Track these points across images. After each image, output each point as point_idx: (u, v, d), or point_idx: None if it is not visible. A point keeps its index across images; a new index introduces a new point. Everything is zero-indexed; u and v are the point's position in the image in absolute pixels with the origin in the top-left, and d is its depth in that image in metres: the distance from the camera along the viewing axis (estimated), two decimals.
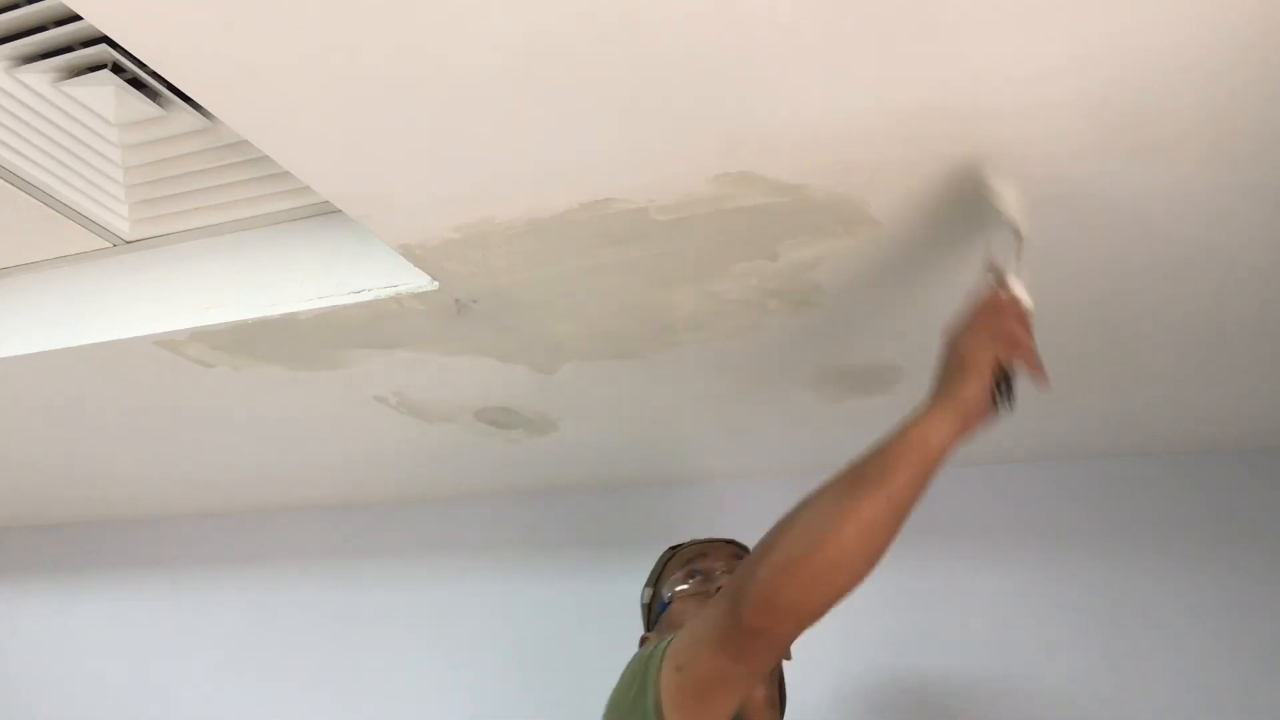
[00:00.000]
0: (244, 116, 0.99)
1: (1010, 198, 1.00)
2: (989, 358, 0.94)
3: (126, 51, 1.12)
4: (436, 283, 1.28)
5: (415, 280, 1.30)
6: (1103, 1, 0.80)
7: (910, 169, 1.01)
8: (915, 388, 1.53)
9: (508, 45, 0.86)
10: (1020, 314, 0.97)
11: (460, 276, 1.25)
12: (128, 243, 1.48)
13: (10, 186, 1.34)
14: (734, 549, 1.40)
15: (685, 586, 1.32)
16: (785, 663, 1.38)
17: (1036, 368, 0.96)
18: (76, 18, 1.10)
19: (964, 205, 1.07)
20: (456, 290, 1.30)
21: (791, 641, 1.01)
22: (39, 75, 1.18)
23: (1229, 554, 1.69)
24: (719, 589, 1.27)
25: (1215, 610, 1.67)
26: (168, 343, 1.48)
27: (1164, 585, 1.70)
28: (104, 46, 1.14)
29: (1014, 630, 1.75)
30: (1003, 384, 0.95)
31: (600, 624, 1.99)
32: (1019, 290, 0.98)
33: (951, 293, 1.26)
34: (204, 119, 1.23)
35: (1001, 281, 0.99)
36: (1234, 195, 1.05)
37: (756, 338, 1.40)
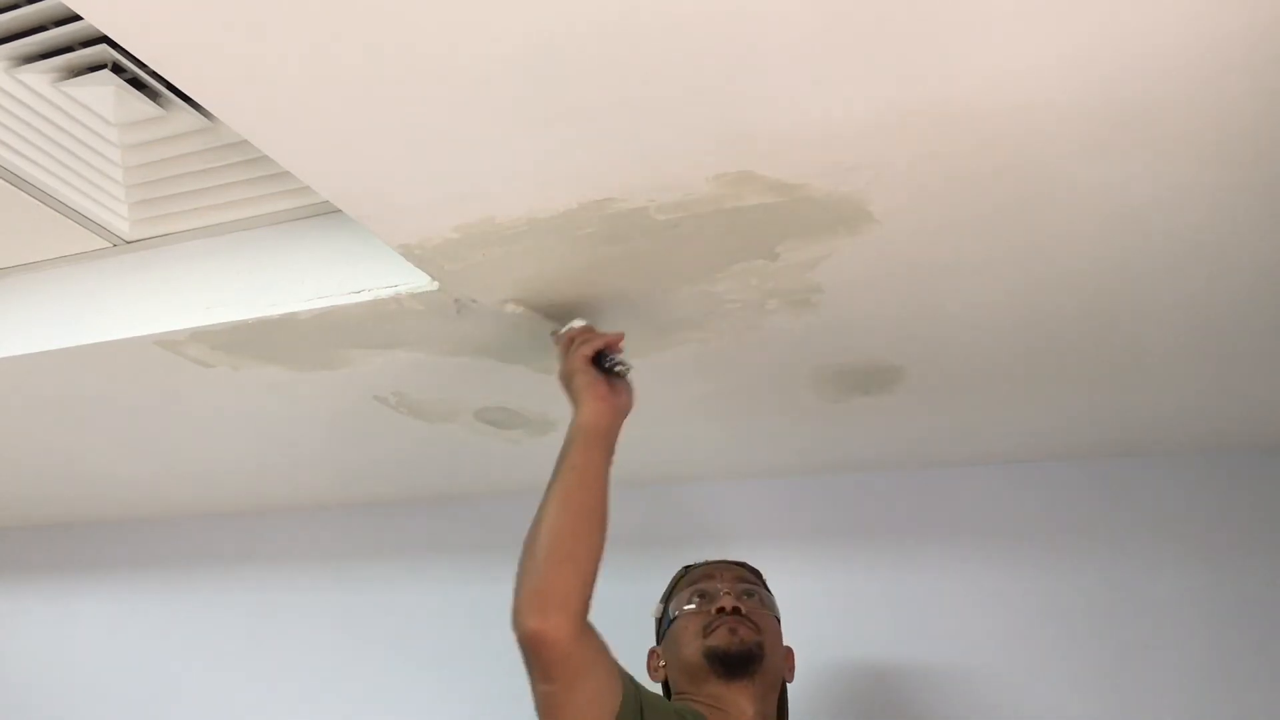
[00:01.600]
0: (244, 116, 0.99)
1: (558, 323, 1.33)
2: (576, 362, 1.23)
3: (126, 51, 1.12)
4: (436, 283, 1.28)
5: (415, 280, 1.30)
6: (1102, 1, 0.80)
7: (910, 169, 1.02)
8: (915, 388, 1.55)
9: (508, 45, 0.86)
10: (573, 332, 1.28)
11: (460, 276, 1.25)
12: (128, 243, 1.48)
13: (10, 186, 1.34)
14: (741, 571, 1.44)
15: (690, 606, 1.38)
16: (789, 684, 1.40)
17: (606, 337, 1.25)
18: (76, 18, 1.10)
19: (964, 205, 1.07)
20: (456, 290, 1.30)
21: (570, 635, 1.08)
22: (39, 75, 1.18)
23: (1229, 554, 1.69)
24: (718, 609, 1.34)
25: (1215, 610, 1.67)
26: (168, 343, 1.48)
27: (1164, 585, 1.70)
28: (104, 46, 1.14)
29: (1013, 630, 1.75)
30: (605, 365, 1.23)
31: (600, 624, 1.99)
32: (573, 325, 1.30)
33: (951, 293, 1.26)
34: (204, 119, 1.23)
35: (558, 335, 1.31)
36: (1234, 195, 1.05)
37: (756, 338, 1.40)
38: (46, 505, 2.50)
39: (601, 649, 1.14)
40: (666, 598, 1.45)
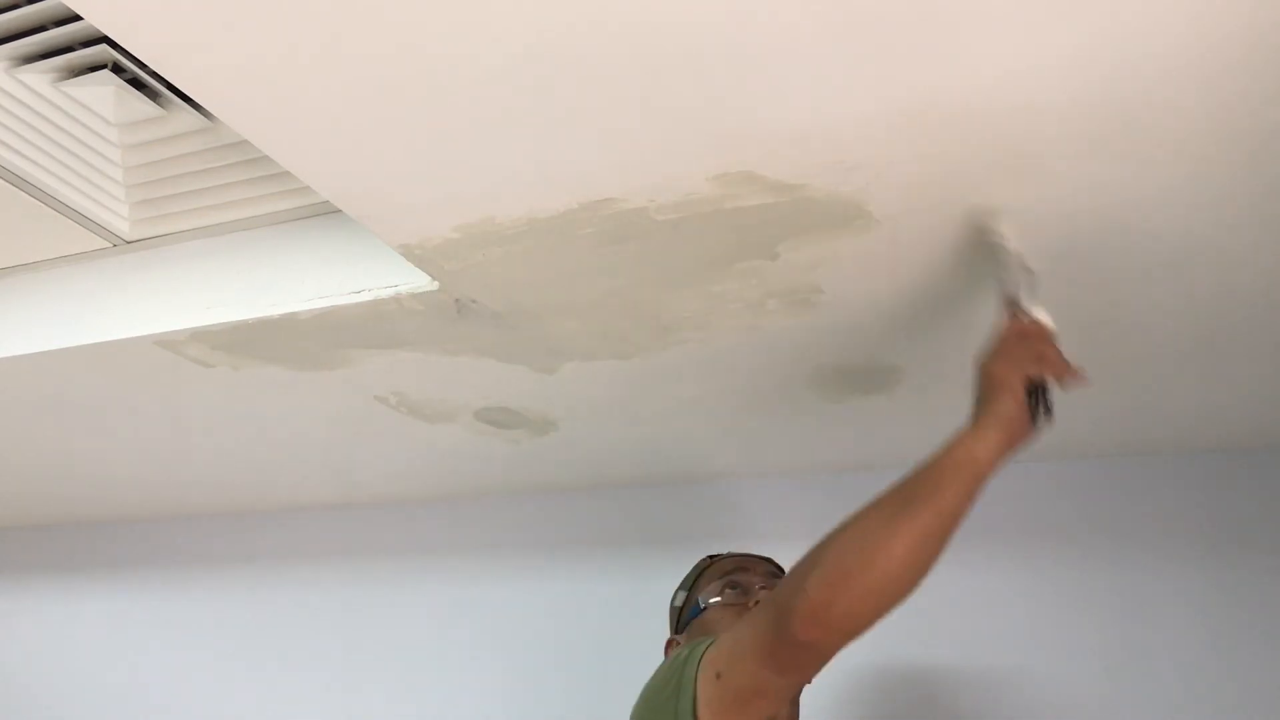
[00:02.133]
0: (244, 116, 0.99)
1: (1013, 238, 1.07)
2: (1018, 377, 0.99)
3: (126, 51, 1.12)
4: (436, 283, 1.28)
5: (415, 280, 1.30)
6: (1102, 1, 0.80)
7: (910, 169, 1.02)
8: (915, 388, 1.55)
9: (508, 45, 0.86)
10: (1043, 333, 1.03)
11: (460, 276, 1.25)
12: (128, 243, 1.48)
13: (10, 186, 1.34)
14: (771, 567, 1.43)
15: (720, 598, 1.34)
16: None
17: (1070, 374, 1.01)
18: (76, 18, 1.10)
19: (964, 205, 1.07)
20: (456, 290, 1.30)
21: (836, 654, 1.01)
22: (39, 75, 1.18)
23: (1229, 554, 1.69)
24: (756, 603, 1.30)
25: (1215, 610, 1.67)
26: (168, 343, 1.48)
27: (1164, 585, 1.70)
28: (104, 46, 1.14)
29: (1013, 629, 1.75)
30: (1038, 398, 0.99)
31: (600, 624, 1.99)
32: (1039, 314, 1.04)
33: (951, 293, 1.26)
34: (204, 119, 1.23)
35: (1019, 310, 1.05)
36: (1234, 195, 1.05)
37: (756, 338, 1.40)
38: (46, 505, 2.50)
39: None
40: (690, 585, 1.41)
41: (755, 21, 0.83)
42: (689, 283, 1.26)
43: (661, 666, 1.21)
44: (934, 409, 1.63)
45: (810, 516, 1.96)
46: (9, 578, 2.71)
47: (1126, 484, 1.78)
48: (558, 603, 2.07)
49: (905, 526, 0.96)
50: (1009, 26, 0.83)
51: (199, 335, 1.45)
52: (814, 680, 1.43)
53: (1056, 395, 1.00)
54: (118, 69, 1.17)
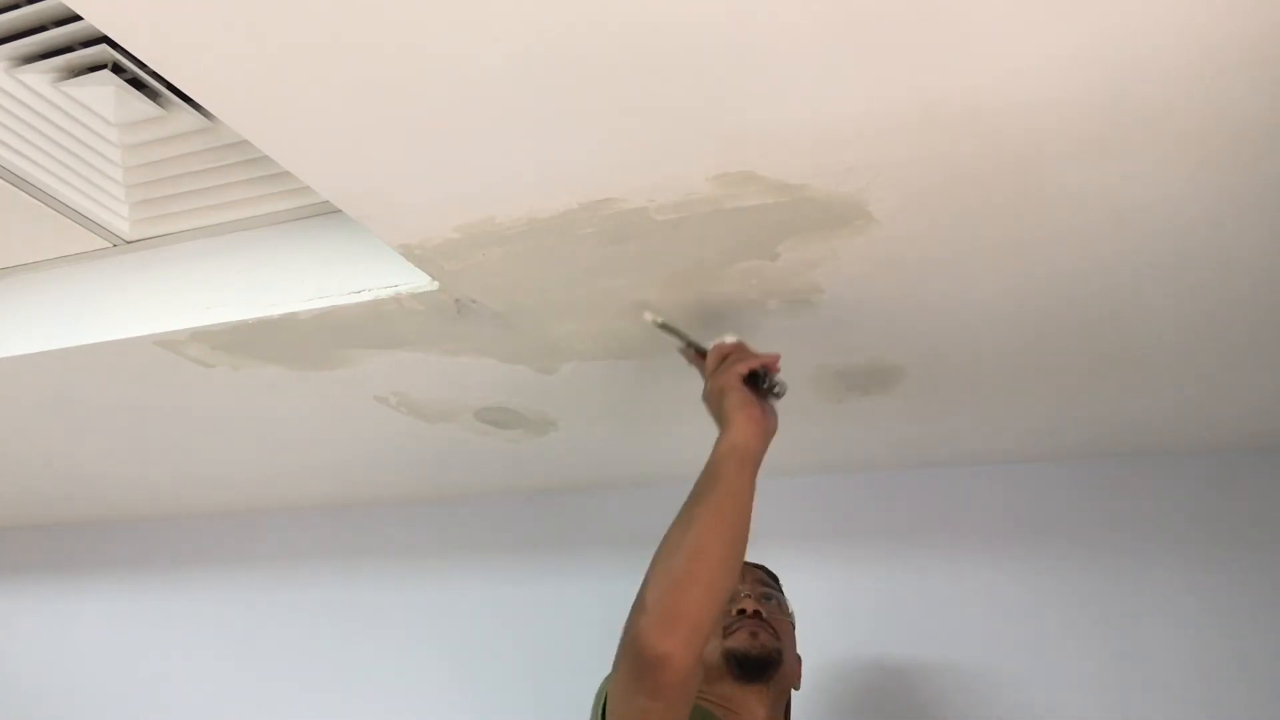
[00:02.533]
0: (244, 116, 0.99)
1: (658, 316, 1.30)
2: (730, 380, 1.16)
3: (126, 51, 1.12)
4: (436, 283, 1.28)
5: (415, 280, 1.30)
6: (1102, 1, 0.80)
7: (910, 169, 1.02)
8: (915, 388, 1.55)
9: (508, 45, 0.86)
10: (731, 347, 1.22)
11: (460, 276, 1.25)
12: (128, 243, 1.48)
13: (10, 186, 1.34)
14: (761, 574, 1.44)
15: None
16: (794, 692, 1.41)
17: (761, 357, 1.19)
18: (76, 18, 1.10)
19: (964, 205, 1.07)
20: (456, 290, 1.30)
21: (694, 660, 1.04)
22: (39, 75, 1.18)
23: (1229, 554, 1.69)
24: (739, 611, 1.33)
25: (1215, 610, 1.67)
26: (168, 343, 1.48)
27: (1164, 585, 1.70)
28: (104, 46, 1.14)
29: (1013, 630, 1.75)
30: (760, 383, 1.18)
31: (600, 624, 1.99)
32: (719, 340, 1.24)
33: (952, 292, 1.26)
34: (204, 119, 1.23)
35: (699, 351, 1.27)
36: (1234, 195, 1.05)
37: (756, 338, 1.40)
38: (46, 505, 2.50)
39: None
40: None
41: (755, 21, 0.82)
42: (689, 283, 1.26)
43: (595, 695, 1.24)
44: (934, 409, 1.63)
45: (810, 516, 1.98)
46: (9, 578, 2.71)
47: (1126, 484, 1.78)
48: (558, 603, 2.07)
49: (702, 515, 1.08)
50: (1009, 26, 0.83)
51: (199, 335, 1.45)
52: (802, 686, 1.44)
53: (786, 376, 1.19)
54: (118, 69, 1.17)
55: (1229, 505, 1.72)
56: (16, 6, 1.09)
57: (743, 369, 1.17)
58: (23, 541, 2.72)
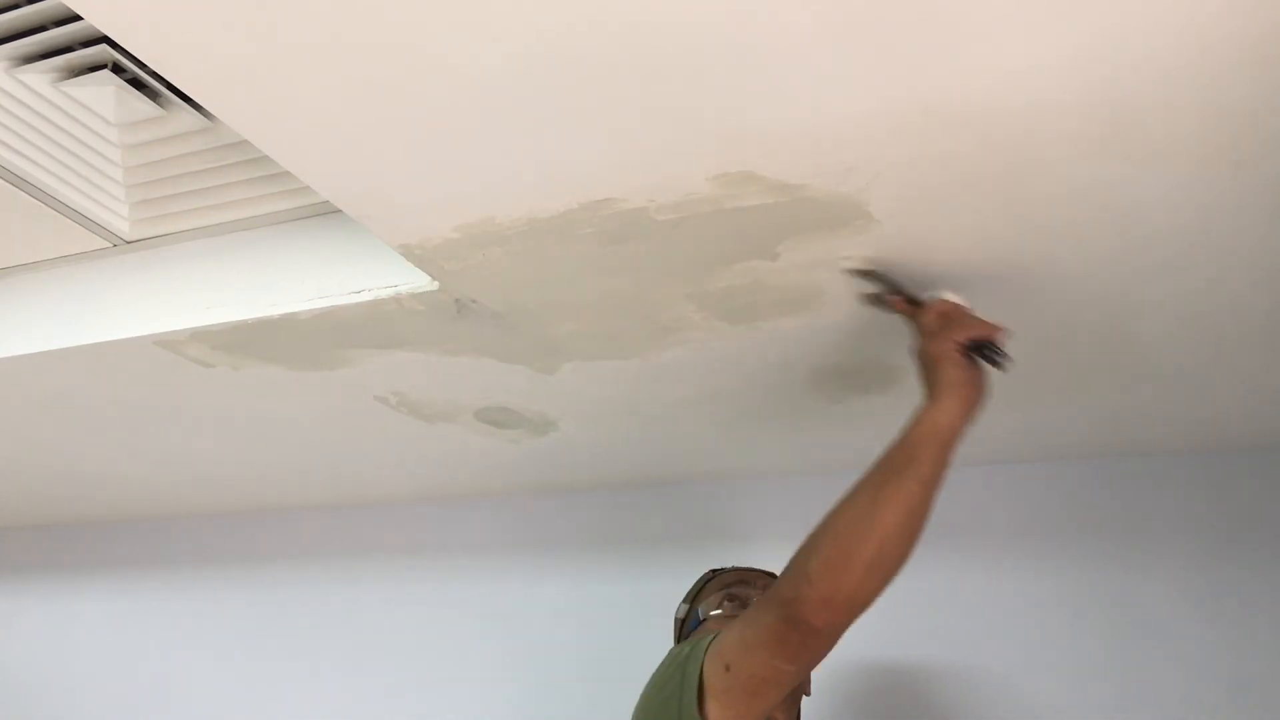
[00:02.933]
0: (244, 116, 0.99)
1: (867, 264, 1.19)
2: (951, 346, 1.07)
3: (126, 51, 1.12)
4: (436, 283, 1.28)
5: (415, 280, 1.30)
6: (1102, 1, 0.80)
7: (910, 169, 1.02)
8: (915, 388, 1.54)
9: (508, 45, 0.86)
10: (955, 307, 1.12)
11: (460, 276, 1.25)
12: (128, 243, 1.48)
13: (10, 186, 1.34)
14: (771, 580, 1.43)
15: (720, 610, 1.37)
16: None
17: (995, 327, 1.09)
18: (76, 18, 1.10)
19: (964, 205, 1.07)
20: (456, 290, 1.30)
21: (840, 636, 1.05)
22: (39, 75, 1.18)
23: (1229, 554, 1.69)
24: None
25: (1215, 610, 1.67)
26: (168, 343, 1.48)
27: (1164, 585, 1.70)
28: (104, 46, 1.14)
29: (1013, 630, 1.75)
30: (984, 355, 1.08)
31: (600, 624, 1.99)
32: (943, 295, 1.14)
33: (951, 293, 1.26)
34: (204, 119, 1.23)
35: (924, 301, 1.15)
36: (1234, 195, 1.05)
37: (756, 338, 1.40)
38: (46, 505, 2.50)
39: None
40: (692, 598, 1.44)
41: (755, 21, 0.82)
42: (689, 283, 1.26)
43: (661, 665, 1.22)
44: None
45: (810, 516, 1.96)
46: (9, 578, 2.71)
47: (1126, 484, 1.78)
48: (558, 603, 2.07)
49: (891, 498, 1.02)
50: (1009, 26, 0.83)
51: (199, 335, 1.45)
52: (811, 690, 1.44)
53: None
54: (118, 69, 1.17)
55: (1229, 505, 1.72)
56: (16, 6, 1.09)
57: (964, 336, 1.07)
58: (23, 541, 2.72)
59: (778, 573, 1.47)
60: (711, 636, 1.14)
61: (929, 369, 1.09)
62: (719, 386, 1.57)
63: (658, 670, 1.22)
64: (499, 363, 1.52)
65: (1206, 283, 1.22)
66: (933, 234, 1.13)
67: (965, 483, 1.87)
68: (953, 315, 1.10)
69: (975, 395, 1.07)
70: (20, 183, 1.34)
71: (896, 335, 1.39)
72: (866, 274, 1.19)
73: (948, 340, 1.08)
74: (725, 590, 1.40)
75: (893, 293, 1.19)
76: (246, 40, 0.87)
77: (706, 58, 0.87)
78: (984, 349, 1.08)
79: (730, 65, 0.88)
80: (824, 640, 1.04)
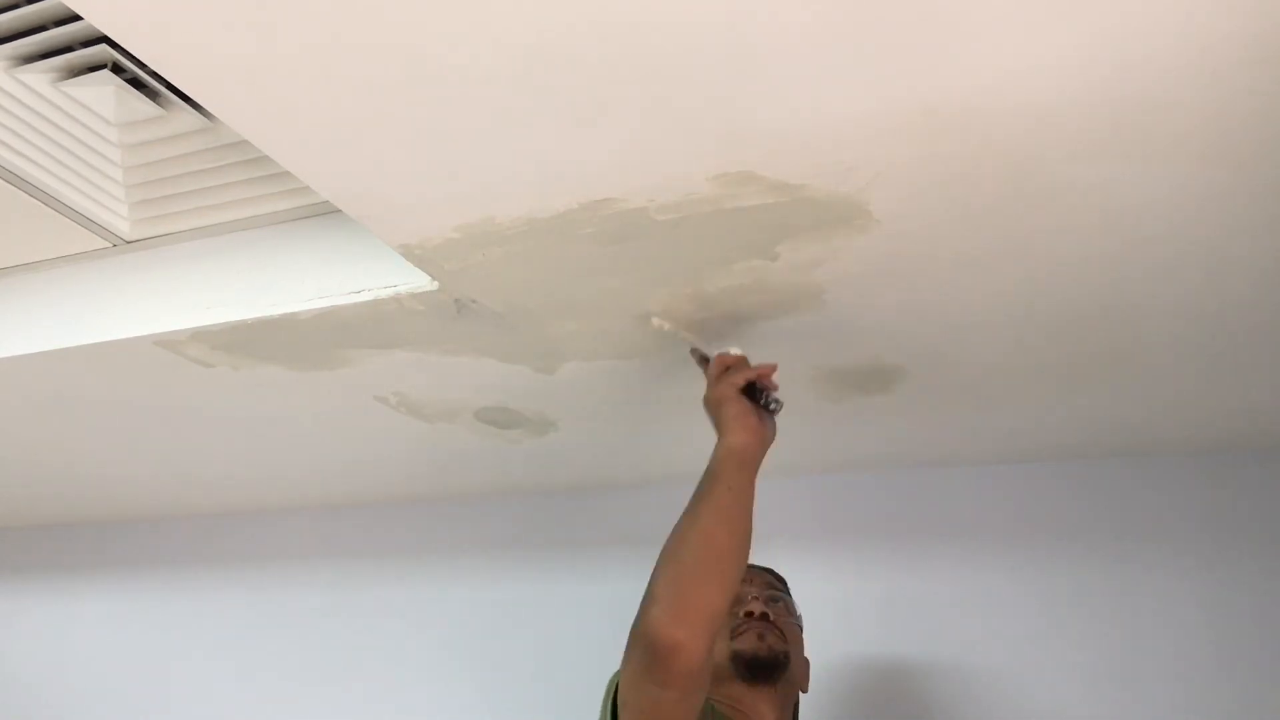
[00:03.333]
0: (244, 116, 0.99)
1: (668, 322, 1.34)
2: (729, 390, 1.22)
3: (126, 51, 1.12)
4: (436, 283, 1.28)
5: (415, 280, 1.30)
6: (1102, 1, 0.80)
7: (910, 169, 1.01)
8: (915, 388, 1.55)
9: (508, 45, 0.86)
10: (734, 359, 1.27)
11: (460, 276, 1.25)
12: (128, 243, 1.48)
13: (10, 186, 1.34)
14: (769, 578, 1.45)
15: None
16: (802, 695, 1.41)
17: (766, 372, 1.25)
18: (76, 18, 1.10)
19: (964, 205, 1.07)
20: (456, 290, 1.30)
21: (704, 649, 1.07)
22: (39, 75, 1.18)
23: (1229, 554, 1.69)
24: (747, 613, 1.36)
25: (1215, 610, 1.67)
26: (168, 343, 1.48)
27: (1164, 585, 1.70)
28: (104, 46, 1.14)
29: (1013, 630, 1.75)
30: (759, 397, 1.24)
31: (600, 624, 1.99)
32: (725, 350, 1.29)
33: (952, 292, 1.26)
34: (204, 119, 1.23)
35: (703, 358, 1.33)
36: (1234, 195, 1.05)
37: (757, 338, 1.40)
38: (46, 505, 2.50)
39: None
40: None
41: (756, 21, 0.82)
42: (689, 282, 1.26)
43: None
44: (934, 409, 1.63)
45: (810, 516, 1.97)
46: (9, 578, 2.71)
47: (1126, 484, 1.78)
48: (558, 603, 2.07)
49: (704, 510, 1.14)
50: (1009, 27, 0.83)
51: (199, 335, 1.45)
52: (810, 687, 1.44)
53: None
54: (118, 69, 1.17)
55: (1228, 505, 1.72)
56: (16, 6, 1.09)
57: (739, 380, 1.22)
58: (23, 541, 2.72)
59: (775, 571, 1.48)
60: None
61: (714, 411, 1.23)
62: None
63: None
64: (499, 363, 1.52)
65: (1206, 283, 1.22)
66: (932, 234, 1.13)
67: (965, 483, 1.87)
68: (731, 365, 1.26)
69: (755, 424, 1.19)
70: (20, 183, 1.34)
71: (896, 335, 1.39)
72: (670, 334, 1.35)
73: (726, 385, 1.23)
74: None
75: (692, 349, 1.36)
76: (246, 40, 0.87)
77: (706, 58, 0.87)
78: (760, 394, 1.24)
79: (730, 65, 0.88)
80: (689, 656, 1.05)
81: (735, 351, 1.29)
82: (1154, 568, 1.72)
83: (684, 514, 1.15)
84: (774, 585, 1.44)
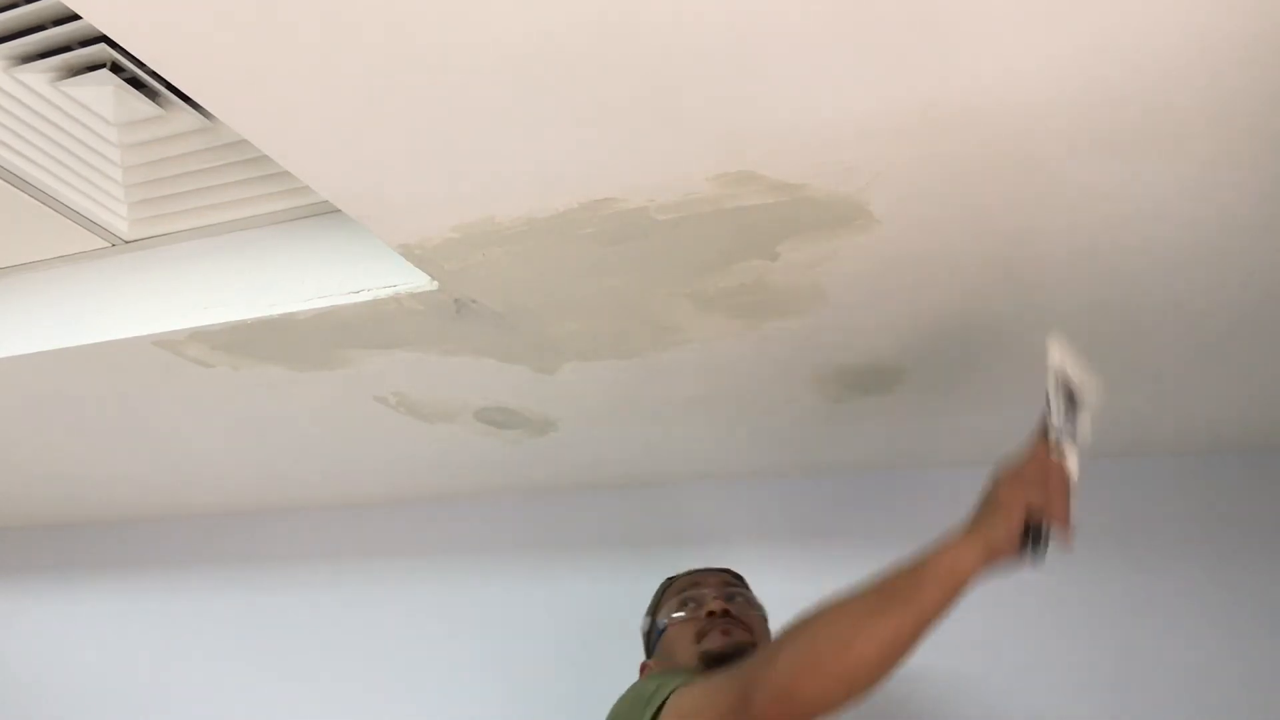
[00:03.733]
0: (244, 116, 0.99)
1: (1060, 358, 1.10)
2: (1021, 506, 1.03)
3: (126, 51, 1.12)
4: (436, 283, 1.28)
5: (415, 280, 1.29)
6: (1102, 2, 0.80)
7: (910, 169, 1.01)
8: (915, 388, 1.54)
9: (508, 45, 0.86)
10: (1063, 477, 1.05)
11: (460, 276, 1.25)
12: (127, 243, 1.48)
13: (10, 186, 1.34)
14: (726, 576, 1.46)
15: (680, 614, 1.39)
16: None
17: (1066, 530, 1.04)
18: (76, 17, 1.10)
19: (964, 205, 1.07)
20: (456, 290, 1.30)
21: None
22: (38, 75, 1.18)
23: (1228, 554, 1.69)
24: (708, 613, 1.35)
25: (1215, 610, 1.67)
26: (168, 343, 1.47)
27: (1165, 586, 1.70)
28: (103, 46, 1.14)
29: (1013, 630, 1.75)
30: (1034, 535, 1.03)
31: (600, 624, 1.99)
32: (1070, 459, 1.06)
33: (952, 292, 1.26)
34: (204, 119, 1.23)
35: (1057, 446, 1.07)
36: (1234, 195, 1.05)
37: (756, 338, 1.40)
38: (46, 505, 2.50)
39: None
40: (653, 610, 1.46)
41: (756, 21, 0.82)
42: (689, 283, 1.26)
43: (629, 691, 1.24)
44: (934, 409, 1.63)
45: (810, 517, 1.97)
46: (9, 578, 2.71)
47: (1126, 484, 1.78)
48: (557, 603, 2.07)
49: (882, 625, 0.99)
50: (1009, 26, 0.83)
51: (198, 335, 1.45)
52: None
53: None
54: (117, 68, 1.17)
55: (1229, 505, 1.72)
56: (16, 6, 1.09)
57: (1039, 511, 1.03)
58: (23, 541, 2.72)
59: (731, 569, 1.48)
60: (680, 682, 1.15)
61: (989, 505, 1.05)
62: (719, 386, 1.57)
63: (625, 694, 1.24)
64: (499, 363, 1.52)
65: (1206, 282, 1.22)
66: (933, 234, 1.13)
67: (966, 483, 1.86)
68: (1053, 481, 1.05)
69: (1004, 560, 1.03)
70: (19, 182, 1.34)
71: (896, 335, 1.39)
72: (1056, 370, 1.11)
73: (1024, 499, 1.03)
74: (681, 594, 1.41)
75: (1049, 415, 1.10)
76: (246, 40, 0.87)
77: (706, 58, 0.87)
78: (1038, 532, 1.03)
79: (730, 65, 0.88)
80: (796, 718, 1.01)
81: (1074, 472, 1.07)
82: (1153, 568, 1.72)
83: (864, 598, 1.02)
84: (730, 583, 1.45)
